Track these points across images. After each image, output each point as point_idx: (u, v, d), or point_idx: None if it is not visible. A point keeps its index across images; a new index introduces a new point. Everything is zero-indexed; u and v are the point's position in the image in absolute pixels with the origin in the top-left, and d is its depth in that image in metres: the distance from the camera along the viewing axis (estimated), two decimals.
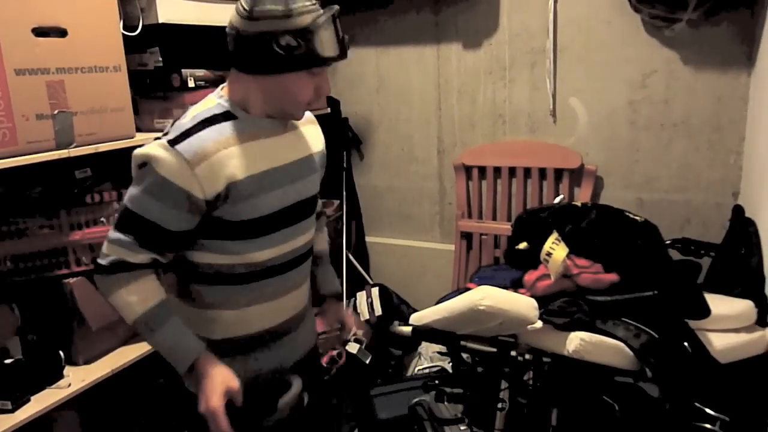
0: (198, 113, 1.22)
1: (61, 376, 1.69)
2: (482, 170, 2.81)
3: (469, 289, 1.76)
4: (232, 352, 1.33)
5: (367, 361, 2.52)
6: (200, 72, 2.05)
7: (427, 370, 2.55)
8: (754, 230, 1.79)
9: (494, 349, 1.66)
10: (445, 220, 3.04)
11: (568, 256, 1.66)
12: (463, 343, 1.68)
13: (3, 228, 1.66)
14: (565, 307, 1.59)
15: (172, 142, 1.15)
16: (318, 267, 1.58)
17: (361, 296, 2.83)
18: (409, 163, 3.05)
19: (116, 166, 1.72)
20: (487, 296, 1.55)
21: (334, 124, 2.91)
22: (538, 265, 1.75)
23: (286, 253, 1.32)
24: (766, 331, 1.58)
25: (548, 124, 2.67)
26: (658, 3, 2.17)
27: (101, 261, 1.21)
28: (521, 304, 1.58)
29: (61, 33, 1.57)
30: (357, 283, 3.01)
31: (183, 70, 2.01)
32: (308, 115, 1.43)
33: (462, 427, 1.80)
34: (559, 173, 2.65)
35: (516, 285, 1.77)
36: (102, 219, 1.79)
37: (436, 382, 1.92)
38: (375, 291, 2.84)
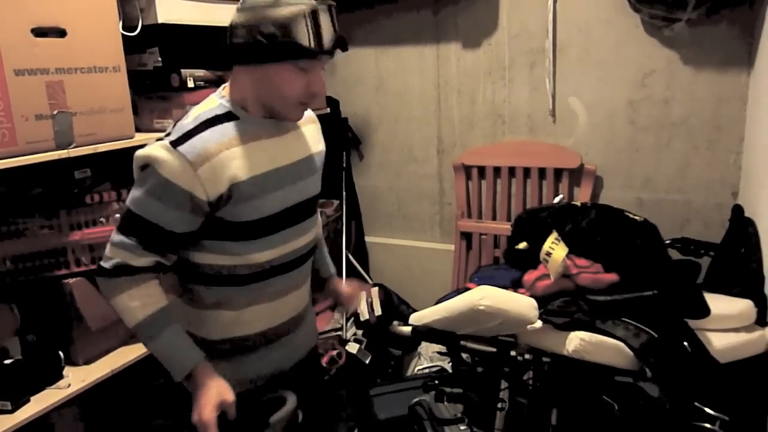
0: (200, 114, 1.22)
1: (60, 377, 1.69)
2: (482, 170, 2.81)
3: (468, 289, 1.76)
4: (232, 352, 1.33)
5: (367, 361, 2.52)
6: (199, 72, 2.05)
7: (426, 370, 2.55)
8: (754, 230, 1.79)
9: (494, 349, 1.66)
10: (444, 220, 3.04)
11: (567, 255, 1.66)
12: (462, 343, 1.68)
13: (3, 228, 1.66)
14: (565, 306, 1.59)
15: (175, 144, 1.15)
16: (316, 250, 1.57)
17: (361, 296, 2.82)
18: (408, 163, 3.05)
19: (116, 167, 1.73)
20: (486, 296, 1.55)
21: (333, 124, 2.91)
22: (538, 265, 1.75)
23: (288, 253, 1.32)
24: (765, 330, 1.58)
25: (548, 124, 2.67)
26: (657, 3, 2.17)
27: (104, 264, 1.21)
28: (521, 304, 1.58)
29: (61, 33, 1.57)
30: None
31: (182, 71, 2.01)
32: (309, 113, 1.43)
33: (462, 427, 1.80)
34: (558, 173, 2.65)
35: (516, 285, 1.77)
36: (102, 219, 1.79)
37: (436, 382, 1.93)
38: (375, 291, 2.85)
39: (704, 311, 1.54)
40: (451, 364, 2.21)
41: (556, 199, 2.20)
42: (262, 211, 1.24)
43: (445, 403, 1.86)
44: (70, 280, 1.72)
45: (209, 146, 1.17)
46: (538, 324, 1.59)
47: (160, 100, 2.05)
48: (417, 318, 1.75)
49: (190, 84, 2.02)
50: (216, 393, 1.19)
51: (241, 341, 1.33)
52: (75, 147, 1.61)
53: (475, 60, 2.76)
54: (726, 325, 1.58)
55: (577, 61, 2.54)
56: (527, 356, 1.69)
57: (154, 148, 1.16)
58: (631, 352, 1.50)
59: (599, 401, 1.63)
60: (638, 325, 1.53)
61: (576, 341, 1.54)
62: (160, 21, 1.92)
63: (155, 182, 1.15)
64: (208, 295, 1.30)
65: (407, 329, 1.74)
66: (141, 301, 1.21)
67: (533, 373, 1.72)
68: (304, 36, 1.13)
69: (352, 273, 3.03)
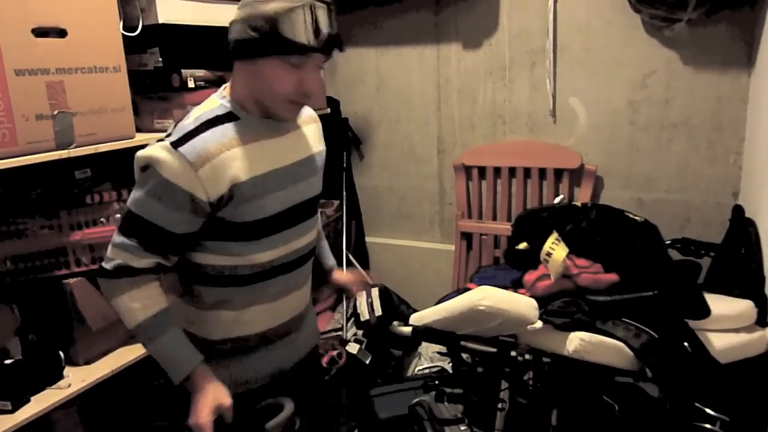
0: (200, 114, 1.21)
1: (61, 377, 1.69)
2: (482, 170, 2.81)
3: (469, 289, 1.76)
4: (233, 352, 1.33)
5: (367, 361, 2.52)
6: (200, 72, 2.05)
7: (427, 371, 2.55)
8: (754, 230, 1.80)
9: (494, 349, 1.66)
10: (445, 220, 3.04)
11: (568, 256, 1.66)
12: (463, 343, 1.68)
13: (3, 228, 1.66)
14: (565, 307, 1.59)
15: (175, 144, 1.15)
16: (318, 242, 1.57)
17: (361, 296, 2.82)
18: (409, 163, 3.05)
19: (116, 167, 1.73)
20: (486, 296, 1.55)
21: (334, 124, 2.91)
22: (538, 265, 1.75)
23: (289, 253, 1.32)
24: (765, 331, 1.58)
25: (548, 125, 2.67)
26: (658, 3, 2.17)
27: (105, 265, 1.21)
28: (521, 304, 1.58)
29: (61, 33, 1.57)
30: None
31: (183, 71, 2.01)
32: (310, 113, 1.43)
33: (462, 427, 1.79)
34: (558, 173, 2.65)
35: (516, 285, 1.78)
36: (102, 219, 1.79)
37: (436, 382, 1.93)
38: (375, 291, 2.84)
39: (704, 312, 1.54)
40: (451, 364, 2.20)
41: (557, 200, 2.20)
42: (264, 211, 1.23)
43: (446, 403, 1.85)
44: (71, 280, 1.72)
45: (210, 147, 1.16)
46: (539, 324, 1.59)
47: (161, 100, 2.05)
48: (417, 318, 1.75)
49: (191, 84, 2.02)
50: (213, 397, 1.19)
51: (242, 341, 1.33)
52: (75, 147, 1.61)
53: (475, 60, 2.76)
54: (726, 326, 1.58)
55: (578, 61, 2.54)
56: (527, 356, 1.68)
57: (155, 148, 1.16)
58: (631, 353, 1.50)
59: (599, 401, 1.63)
60: (638, 325, 1.53)
61: (576, 341, 1.54)
62: (160, 21, 1.92)
63: (156, 183, 1.15)
64: (209, 295, 1.30)
65: (407, 329, 1.74)
66: (142, 302, 1.21)
67: (533, 374, 1.72)
68: (292, 30, 1.11)
69: None
